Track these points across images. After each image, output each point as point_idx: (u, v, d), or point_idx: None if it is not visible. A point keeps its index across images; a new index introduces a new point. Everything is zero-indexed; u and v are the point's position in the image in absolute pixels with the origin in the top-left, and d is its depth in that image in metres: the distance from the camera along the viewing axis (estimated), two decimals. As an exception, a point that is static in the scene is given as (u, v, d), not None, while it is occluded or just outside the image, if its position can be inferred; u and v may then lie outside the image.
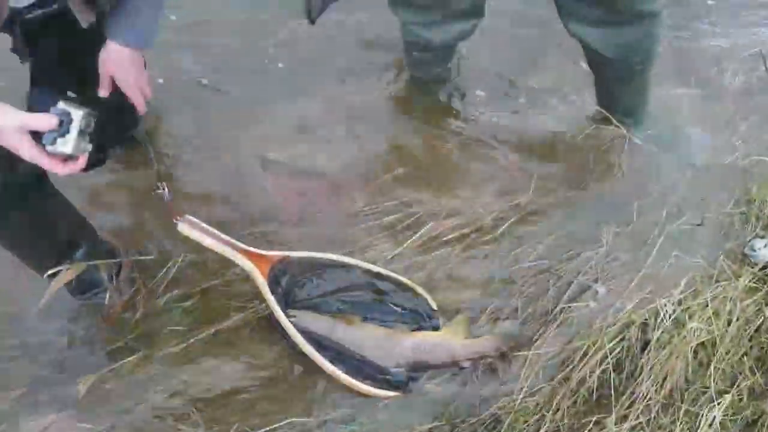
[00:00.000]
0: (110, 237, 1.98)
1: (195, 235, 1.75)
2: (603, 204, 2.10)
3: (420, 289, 1.92)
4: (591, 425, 1.62)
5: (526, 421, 1.68)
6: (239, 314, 1.86)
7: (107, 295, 1.87)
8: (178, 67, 2.53)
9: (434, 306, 1.91)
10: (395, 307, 1.87)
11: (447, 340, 1.79)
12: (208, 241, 1.77)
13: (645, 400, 1.60)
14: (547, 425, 1.64)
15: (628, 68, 2.08)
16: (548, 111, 2.48)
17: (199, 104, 2.40)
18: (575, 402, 1.70)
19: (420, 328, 1.84)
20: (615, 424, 1.61)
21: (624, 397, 1.67)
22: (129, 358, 1.79)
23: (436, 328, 1.84)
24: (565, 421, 1.66)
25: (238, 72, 2.55)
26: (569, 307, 1.92)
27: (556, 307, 1.90)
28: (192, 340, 1.80)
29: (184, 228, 1.75)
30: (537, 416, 1.67)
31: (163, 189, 1.77)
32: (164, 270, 1.93)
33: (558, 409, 1.67)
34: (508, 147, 2.32)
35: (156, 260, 1.97)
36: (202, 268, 1.97)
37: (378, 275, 1.91)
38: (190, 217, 1.77)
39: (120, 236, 2.03)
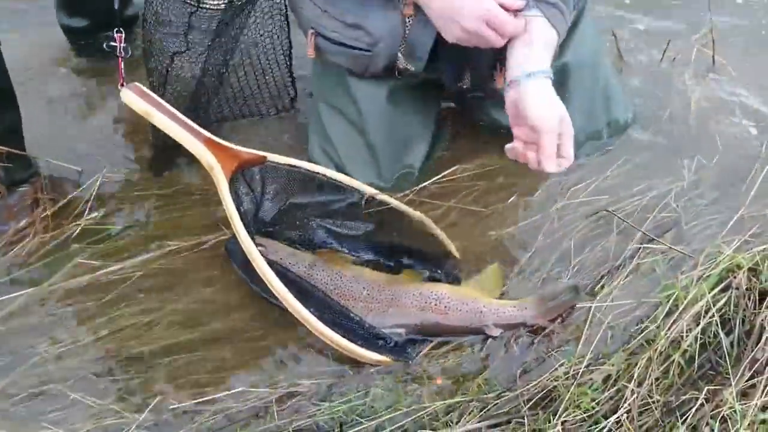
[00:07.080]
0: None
1: (142, 107, 1.38)
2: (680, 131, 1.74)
3: (436, 228, 1.50)
4: (698, 402, 1.04)
5: (595, 399, 1.10)
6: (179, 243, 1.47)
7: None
8: None
9: (454, 251, 1.48)
10: (400, 249, 1.46)
11: (471, 298, 1.37)
12: (158, 118, 1.38)
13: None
14: (629, 401, 1.07)
15: None
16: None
17: None
18: (666, 372, 1.19)
19: (433, 279, 1.42)
20: (737, 400, 1.04)
21: (742, 365, 1.10)
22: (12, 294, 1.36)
23: (456, 282, 1.43)
24: (657, 396, 1.10)
25: None
26: (644, 248, 1.44)
27: (624, 251, 1.46)
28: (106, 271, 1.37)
29: (128, 96, 1.38)
30: (611, 390, 1.10)
31: (119, 39, 1.38)
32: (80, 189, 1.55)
33: (641, 382, 1.09)
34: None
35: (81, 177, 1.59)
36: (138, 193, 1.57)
37: (382, 205, 1.50)
38: (140, 85, 1.41)
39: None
